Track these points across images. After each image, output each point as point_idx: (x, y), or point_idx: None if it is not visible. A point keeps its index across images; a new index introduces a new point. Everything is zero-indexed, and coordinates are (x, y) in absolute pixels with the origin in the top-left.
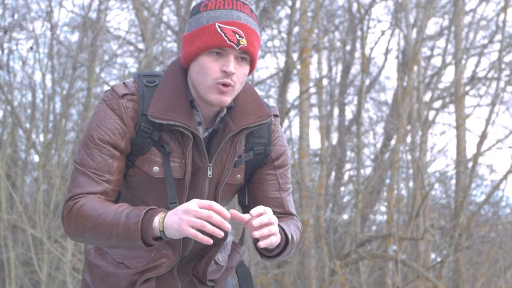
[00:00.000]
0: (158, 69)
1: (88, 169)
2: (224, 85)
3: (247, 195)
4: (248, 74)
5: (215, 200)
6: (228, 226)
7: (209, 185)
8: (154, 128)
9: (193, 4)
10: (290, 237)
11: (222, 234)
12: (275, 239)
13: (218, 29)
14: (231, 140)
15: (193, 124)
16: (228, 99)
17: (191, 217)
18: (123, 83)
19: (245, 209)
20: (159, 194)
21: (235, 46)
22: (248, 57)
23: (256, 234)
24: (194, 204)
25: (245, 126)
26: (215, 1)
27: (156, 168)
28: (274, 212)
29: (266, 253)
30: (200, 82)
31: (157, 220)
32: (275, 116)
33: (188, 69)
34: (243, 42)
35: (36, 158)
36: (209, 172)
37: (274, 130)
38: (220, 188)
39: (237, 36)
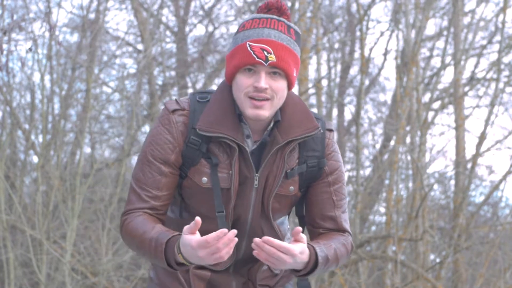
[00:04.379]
0: (157, 69)
1: (139, 184)
2: (257, 99)
3: (304, 209)
4: (289, 88)
5: (266, 209)
6: (232, 233)
7: (255, 195)
8: (202, 141)
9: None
10: (321, 260)
11: (236, 240)
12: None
13: (248, 48)
14: (280, 152)
15: (239, 136)
16: (265, 113)
17: (210, 259)
18: (176, 100)
19: (302, 219)
20: (210, 204)
21: (263, 62)
22: (282, 72)
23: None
24: (199, 250)
25: (292, 139)
26: (252, 21)
27: (205, 179)
28: (328, 229)
29: (292, 272)
30: (237, 98)
31: (178, 256)
32: (329, 130)
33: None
34: (272, 58)
35: (35, 159)
36: (256, 182)
37: (328, 144)
38: (270, 198)
39: (265, 52)
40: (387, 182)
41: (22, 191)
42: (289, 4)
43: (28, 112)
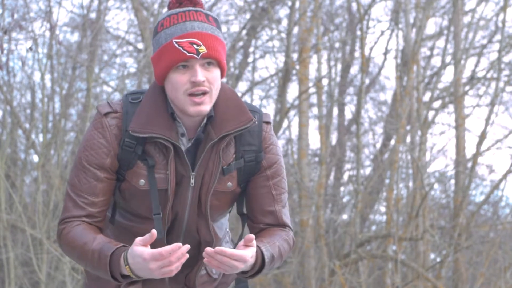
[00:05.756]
0: None
1: (75, 190)
2: (198, 95)
3: (245, 205)
4: (222, 76)
5: (203, 207)
6: (185, 248)
7: (192, 194)
8: (137, 143)
9: None
10: (267, 260)
11: (187, 256)
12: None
13: (176, 45)
14: (215, 148)
15: (173, 135)
16: (206, 108)
17: (159, 272)
18: (107, 102)
19: (243, 217)
20: (148, 205)
21: (195, 56)
22: (214, 61)
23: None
24: (151, 262)
25: (225, 133)
26: (169, 18)
27: (142, 181)
28: (269, 224)
29: (240, 275)
30: (175, 98)
31: (123, 268)
32: (266, 123)
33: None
34: (202, 49)
35: (35, 158)
36: (192, 181)
37: (266, 138)
38: (208, 196)
39: (195, 45)
40: (387, 181)
41: (23, 190)
42: (290, 3)
43: (28, 111)
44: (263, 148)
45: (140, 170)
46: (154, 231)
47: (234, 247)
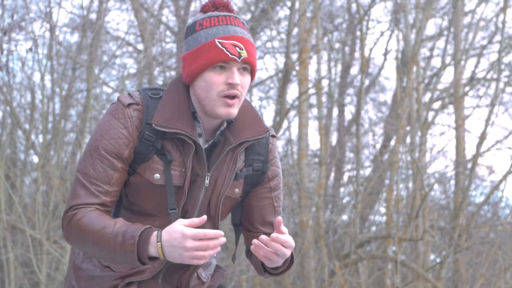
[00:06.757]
0: (157, 69)
1: (89, 179)
2: (230, 97)
3: (242, 216)
4: (250, 83)
5: (213, 210)
6: (223, 240)
7: (204, 194)
8: (157, 137)
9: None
10: (293, 256)
11: (219, 249)
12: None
13: (219, 45)
14: (231, 153)
15: (194, 134)
16: (235, 111)
17: (191, 254)
18: (129, 94)
19: (238, 228)
20: (158, 201)
21: (237, 58)
22: (249, 67)
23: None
24: (189, 240)
25: (244, 140)
26: (209, 19)
27: (157, 175)
28: (267, 234)
29: (272, 271)
30: (206, 97)
31: (153, 247)
32: (273, 136)
33: (190, 85)
34: (244, 53)
35: (35, 159)
36: (206, 181)
37: (272, 150)
38: (221, 199)
39: (238, 49)
40: (387, 182)
41: (22, 191)
42: (289, 4)
43: (28, 112)
44: (269, 159)
45: (155, 164)
46: (204, 216)
47: (234, 254)
